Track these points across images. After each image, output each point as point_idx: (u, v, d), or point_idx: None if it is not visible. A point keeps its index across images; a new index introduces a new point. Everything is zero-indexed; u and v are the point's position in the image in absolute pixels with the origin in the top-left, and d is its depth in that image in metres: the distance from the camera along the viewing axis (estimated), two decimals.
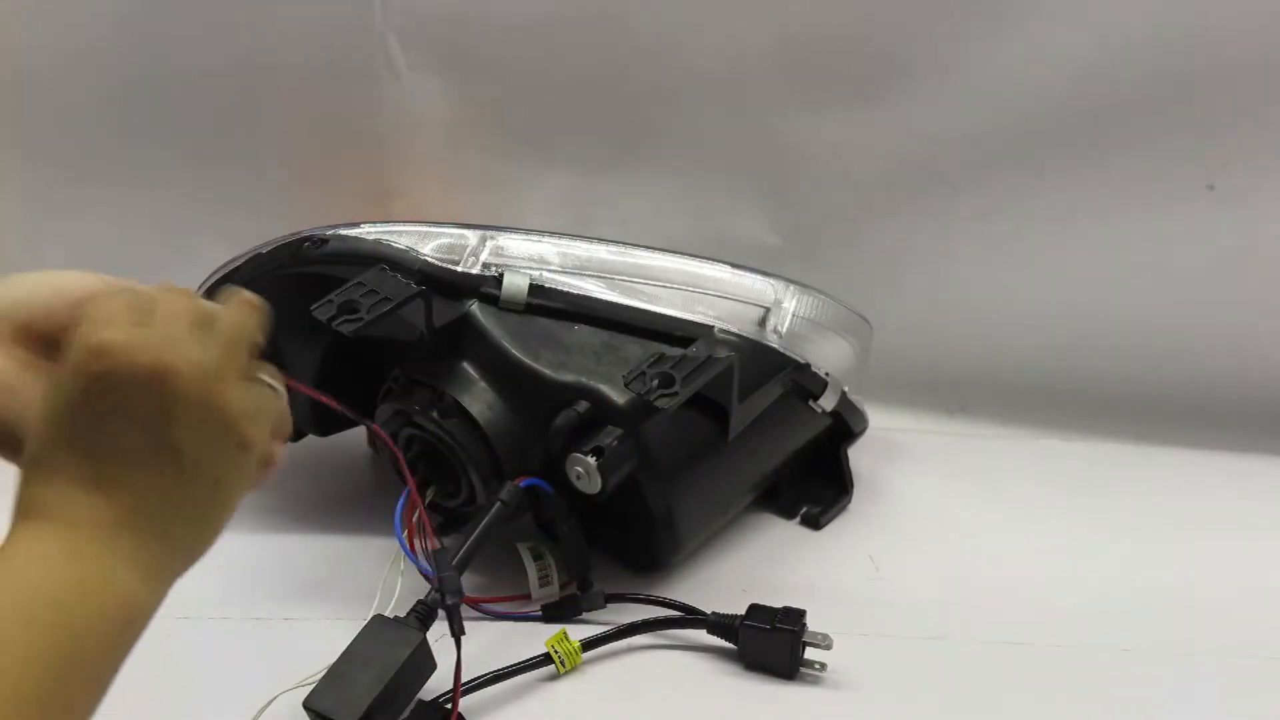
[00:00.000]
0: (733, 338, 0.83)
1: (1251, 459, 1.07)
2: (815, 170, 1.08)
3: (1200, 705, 0.76)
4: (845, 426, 0.97)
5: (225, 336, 0.48)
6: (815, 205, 1.10)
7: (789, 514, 0.95)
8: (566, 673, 0.75)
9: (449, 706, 0.68)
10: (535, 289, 0.82)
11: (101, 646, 0.43)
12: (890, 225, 1.10)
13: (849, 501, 0.97)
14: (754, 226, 1.10)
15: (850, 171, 1.08)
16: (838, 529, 0.95)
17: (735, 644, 0.77)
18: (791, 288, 0.88)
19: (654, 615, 0.80)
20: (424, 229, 0.85)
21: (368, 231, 0.85)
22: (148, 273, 1.12)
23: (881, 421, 1.02)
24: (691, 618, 0.79)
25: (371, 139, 1.10)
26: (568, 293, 0.83)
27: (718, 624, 0.78)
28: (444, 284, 0.82)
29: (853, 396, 0.94)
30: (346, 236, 0.85)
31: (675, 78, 1.06)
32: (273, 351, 0.53)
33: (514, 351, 0.80)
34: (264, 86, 1.07)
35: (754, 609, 0.77)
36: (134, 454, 0.45)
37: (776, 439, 0.91)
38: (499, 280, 0.82)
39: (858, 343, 0.94)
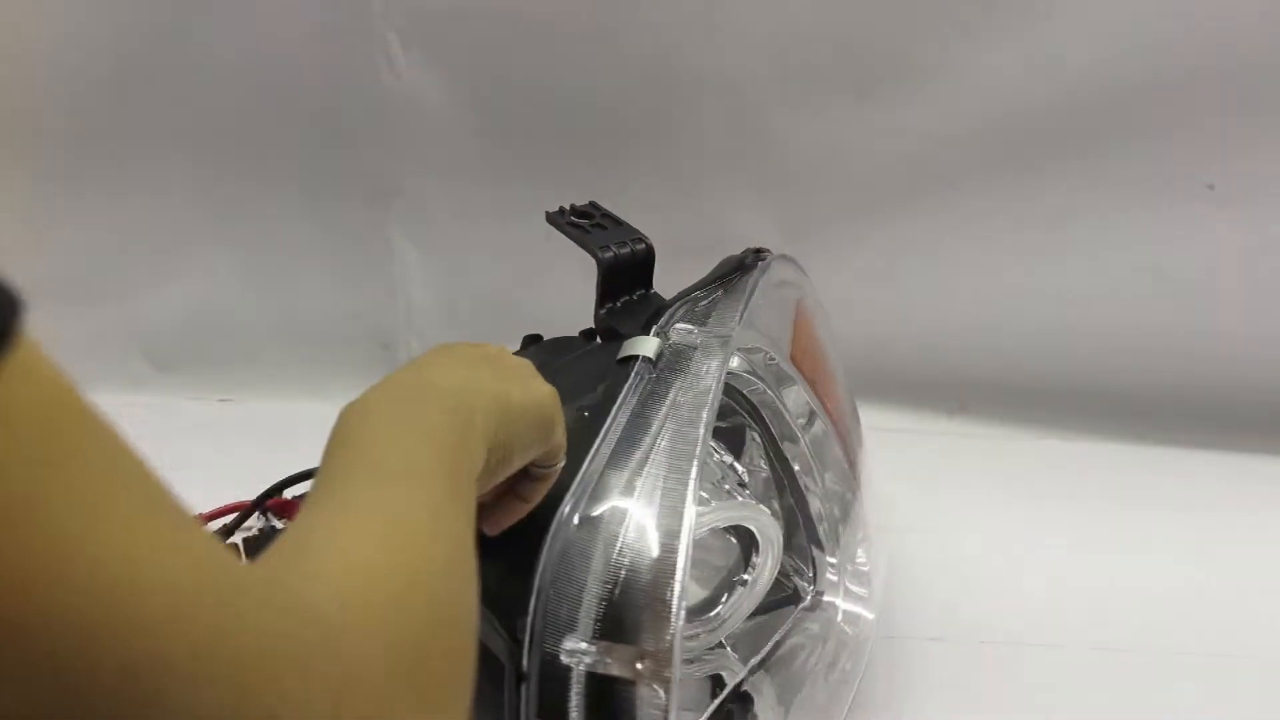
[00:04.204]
0: None
1: (1251, 459, 1.07)
2: (815, 169, 1.08)
3: (1199, 705, 0.76)
4: None
5: None
6: (815, 204, 1.10)
7: None
8: None
9: None
10: None
11: None
12: (890, 225, 1.09)
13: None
14: (754, 225, 1.10)
15: (850, 171, 1.08)
16: None
17: None
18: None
19: None
20: None
21: None
22: (147, 272, 1.13)
23: (882, 421, 1.02)
24: None
25: (371, 139, 1.10)
26: None
27: None
28: None
29: None
30: None
31: (675, 77, 1.06)
32: None
33: None
34: (264, 87, 1.07)
35: None
36: None
37: None
38: None
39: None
